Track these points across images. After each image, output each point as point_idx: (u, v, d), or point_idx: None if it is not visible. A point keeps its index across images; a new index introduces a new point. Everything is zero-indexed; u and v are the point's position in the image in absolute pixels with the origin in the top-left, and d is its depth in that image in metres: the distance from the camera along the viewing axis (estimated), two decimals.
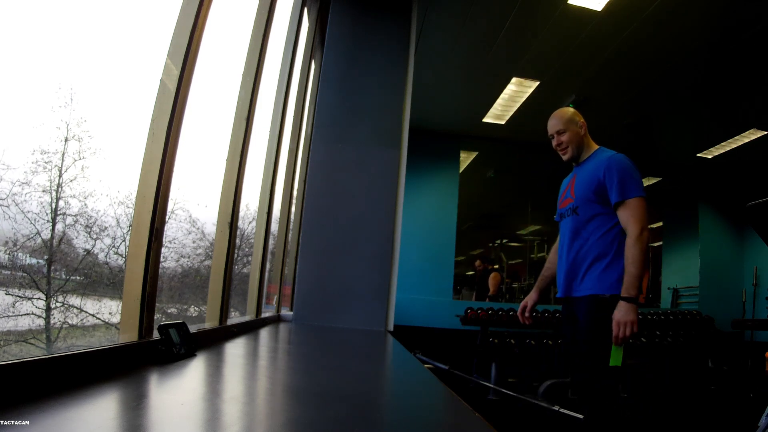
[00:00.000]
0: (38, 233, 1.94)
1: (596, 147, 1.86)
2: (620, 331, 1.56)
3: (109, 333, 2.20)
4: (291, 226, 3.10)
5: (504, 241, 11.49)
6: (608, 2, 3.33)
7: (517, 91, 4.81)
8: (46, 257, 2.01)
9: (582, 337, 1.67)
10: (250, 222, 2.89)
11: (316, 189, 2.62)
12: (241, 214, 1.93)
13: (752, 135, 5.34)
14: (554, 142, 1.87)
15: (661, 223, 7.98)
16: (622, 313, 1.57)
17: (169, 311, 2.64)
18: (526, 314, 1.93)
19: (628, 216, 1.65)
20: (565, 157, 1.86)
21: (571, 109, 1.89)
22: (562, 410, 2.53)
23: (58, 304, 2.06)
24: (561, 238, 1.84)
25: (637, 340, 5.21)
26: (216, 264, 1.68)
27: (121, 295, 1.13)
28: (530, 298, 1.94)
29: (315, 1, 2.98)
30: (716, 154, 5.98)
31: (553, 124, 1.86)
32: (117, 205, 2.16)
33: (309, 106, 3.16)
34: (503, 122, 5.49)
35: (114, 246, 2.21)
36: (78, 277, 2.15)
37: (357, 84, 2.76)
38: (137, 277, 1.10)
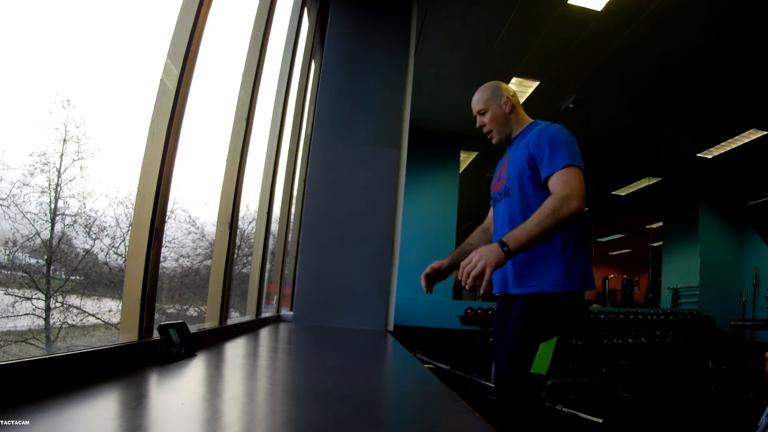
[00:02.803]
0: (38, 233, 1.94)
1: (530, 121, 1.59)
2: (469, 266, 1.25)
3: (109, 333, 2.20)
4: (291, 226, 3.10)
5: None
6: (608, 2, 3.33)
7: (517, 91, 4.80)
8: (45, 257, 2.01)
9: (509, 337, 1.42)
10: (250, 222, 2.90)
11: (316, 189, 2.62)
12: (241, 214, 1.93)
13: (752, 135, 5.34)
14: (477, 124, 1.62)
15: (661, 223, 7.99)
16: (485, 251, 1.25)
17: (168, 311, 2.64)
18: (428, 280, 1.62)
19: (555, 182, 1.34)
20: (493, 141, 1.61)
21: (494, 83, 1.62)
22: (564, 409, 2.53)
23: (57, 304, 2.06)
24: (494, 225, 1.60)
25: (637, 340, 5.21)
26: (216, 264, 1.68)
27: (121, 295, 1.13)
28: (439, 262, 1.64)
29: (315, 1, 2.98)
30: (716, 154, 5.99)
31: (474, 102, 1.60)
32: (116, 205, 2.16)
33: (309, 106, 3.16)
34: None
35: (114, 246, 2.21)
36: (78, 277, 2.15)
37: (357, 84, 2.76)
38: (137, 277, 1.10)
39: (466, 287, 1.32)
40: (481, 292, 1.27)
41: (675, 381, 5.00)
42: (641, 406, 4.03)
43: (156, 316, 1.15)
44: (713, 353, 5.49)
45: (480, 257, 1.25)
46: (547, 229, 1.26)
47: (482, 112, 1.59)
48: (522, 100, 4.91)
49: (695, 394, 4.78)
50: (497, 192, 1.58)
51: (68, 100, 1.90)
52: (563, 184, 1.32)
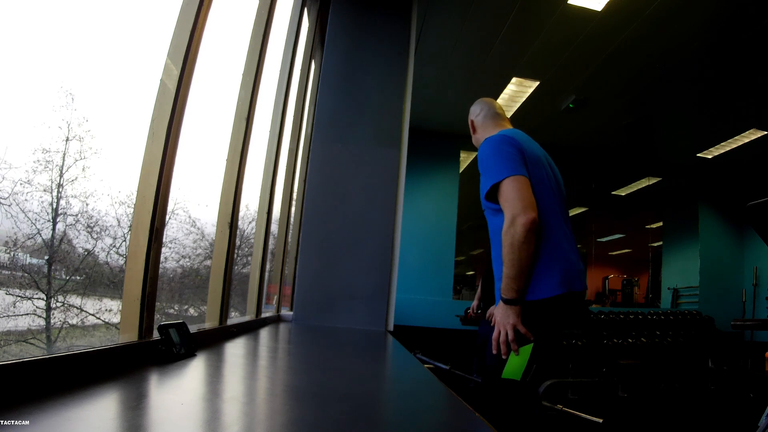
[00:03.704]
0: (39, 233, 1.94)
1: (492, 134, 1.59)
2: (496, 337, 1.38)
3: (109, 333, 2.20)
4: (291, 226, 3.11)
5: None
6: (608, 2, 3.33)
7: (517, 91, 4.81)
8: (46, 257, 2.01)
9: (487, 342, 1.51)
10: (250, 222, 2.90)
11: (316, 189, 2.62)
12: (241, 214, 1.93)
13: (752, 135, 5.34)
14: None
15: (661, 223, 7.98)
16: (499, 315, 1.38)
17: (169, 311, 2.64)
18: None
19: (501, 205, 1.40)
20: None
21: (473, 105, 1.77)
22: (564, 409, 2.53)
23: (58, 304, 2.06)
24: None
25: (637, 340, 5.21)
26: (216, 264, 1.69)
27: (121, 295, 1.13)
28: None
29: (315, 1, 2.98)
30: (716, 154, 5.98)
31: None
32: (118, 205, 2.17)
33: (309, 106, 3.17)
34: None
35: (114, 246, 2.21)
36: (78, 277, 2.15)
37: (357, 84, 2.76)
38: (137, 277, 1.10)
39: (505, 355, 1.39)
40: (518, 347, 1.35)
41: (675, 381, 5.00)
42: (641, 406, 4.03)
43: (156, 316, 1.15)
44: (713, 353, 5.49)
45: (503, 324, 1.35)
46: (517, 262, 1.33)
47: None
48: (522, 100, 4.91)
49: (695, 394, 4.78)
50: None
51: (72, 96, 1.90)
52: (505, 209, 1.38)
